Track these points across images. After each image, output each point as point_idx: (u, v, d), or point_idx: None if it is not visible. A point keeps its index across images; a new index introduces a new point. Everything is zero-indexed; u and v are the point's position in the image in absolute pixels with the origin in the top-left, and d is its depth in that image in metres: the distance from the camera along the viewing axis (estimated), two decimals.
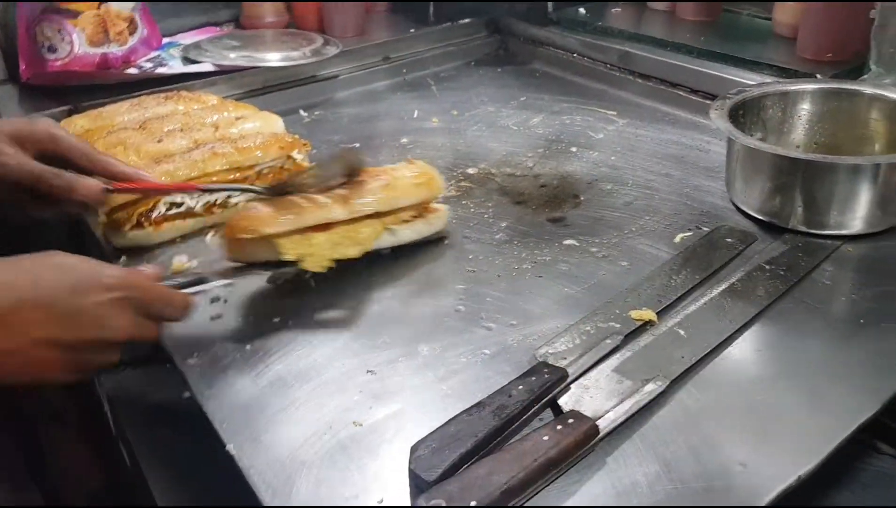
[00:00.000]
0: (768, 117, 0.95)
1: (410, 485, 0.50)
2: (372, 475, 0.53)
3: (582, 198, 0.92)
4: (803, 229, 0.81)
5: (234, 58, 1.24)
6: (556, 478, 0.51)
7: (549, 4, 1.49)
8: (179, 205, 0.82)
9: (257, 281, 0.75)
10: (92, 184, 0.72)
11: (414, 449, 0.51)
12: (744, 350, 0.65)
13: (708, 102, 0.91)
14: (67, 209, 0.74)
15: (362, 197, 0.75)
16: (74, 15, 1.18)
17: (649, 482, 0.51)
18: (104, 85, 1.17)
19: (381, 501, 0.51)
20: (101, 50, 1.21)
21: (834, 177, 0.78)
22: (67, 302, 0.54)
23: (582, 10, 1.49)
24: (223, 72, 1.22)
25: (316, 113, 1.24)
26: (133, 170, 0.76)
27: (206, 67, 1.22)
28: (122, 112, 0.98)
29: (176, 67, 1.23)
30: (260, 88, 1.26)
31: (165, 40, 1.36)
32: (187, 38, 1.37)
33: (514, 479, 0.48)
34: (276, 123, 0.96)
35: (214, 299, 0.68)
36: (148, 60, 1.27)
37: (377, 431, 0.57)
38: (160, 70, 1.22)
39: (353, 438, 0.56)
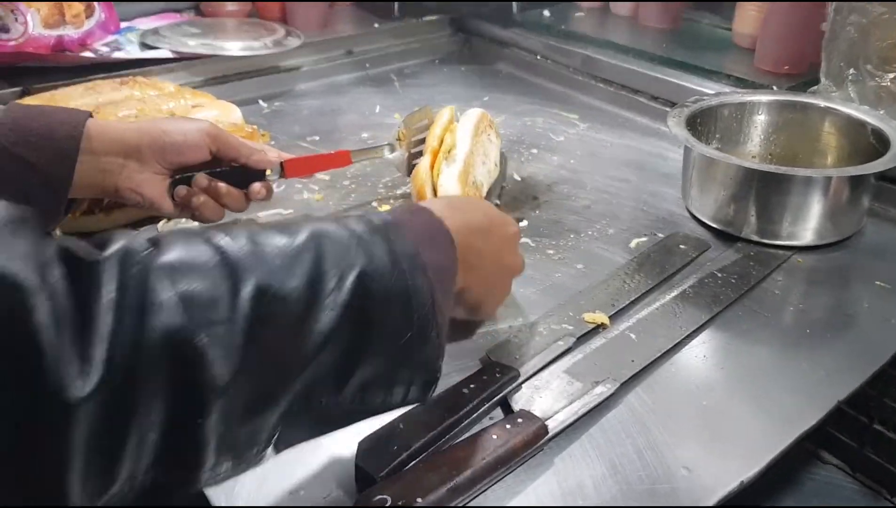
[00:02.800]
0: (725, 127, 0.96)
1: (357, 481, 0.50)
2: (318, 470, 0.52)
3: (541, 200, 0.92)
4: (756, 238, 0.82)
5: (193, 45, 1.21)
6: (504, 477, 0.51)
7: (514, 6, 1.49)
8: None
9: None
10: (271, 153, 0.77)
11: (362, 445, 0.50)
12: (693, 356, 0.66)
13: (667, 109, 0.92)
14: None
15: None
16: None
17: (595, 483, 0.52)
18: (58, 68, 1.14)
19: (328, 496, 0.50)
20: (56, 32, 1.18)
21: (787, 188, 0.79)
22: (501, 223, 0.62)
23: (546, 13, 1.50)
24: (181, 59, 1.20)
25: (276, 104, 1.22)
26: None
27: (164, 53, 1.20)
28: (76, 96, 0.95)
29: (133, 52, 1.20)
30: (219, 76, 1.24)
31: (123, 25, 1.32)
32: (145, 24, 1.34)
33: (461, 477, 0.48)
34: (233, 113, 0.94)
35: None
36: (104, 45, 1.24)
37: None
38: (117, 55, 1.19)
39: None
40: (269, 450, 0.42)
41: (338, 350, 0.41)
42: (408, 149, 0.86)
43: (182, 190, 0.72)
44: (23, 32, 1.15)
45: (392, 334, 0.44)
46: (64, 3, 1.18)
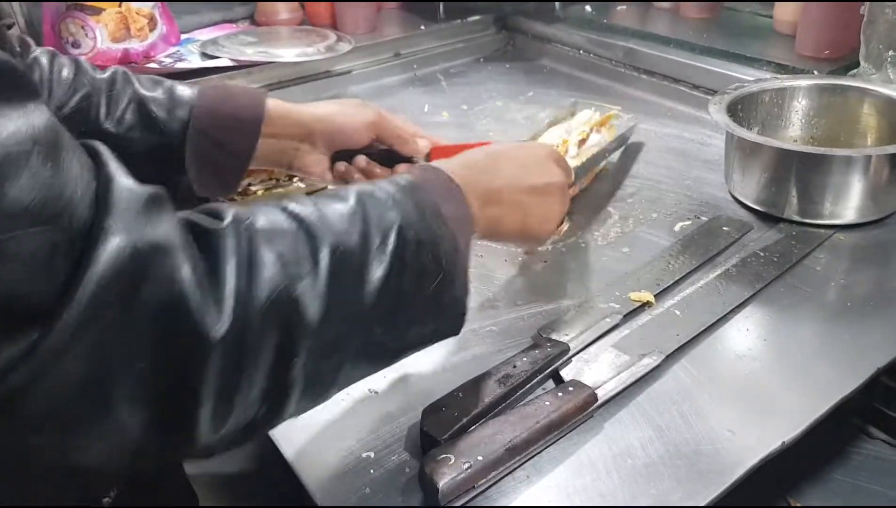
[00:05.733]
0: (766, 112, 0.98)
1: (422, 444, 0.54)
2: (387, 436, 0.57)
3: (588, 190, 0.96)
4: (798, 218, 0.84)
5: (250, 53, 1.28)
6: (557, 440, 0.56)
7: (556, 3, 1.52)
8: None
9: None
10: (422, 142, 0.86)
11: (426, 413, 0.55)
12: (736, 330, 0.69)
13: (709, 97, 0.94)
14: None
15: None
16: (97, 12, 1.23)
17: (643, 445, 0.56)
18: None
19: (397, 458, 0.55)
20: (122, 46, 1.25)
21: (827, 168, 0.81)
22: (518, 153, 0.66)
23: (588, 8, 1.53)
24: (240, 67, 1.27)
25: None
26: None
27: (223, 61, 1.26)
28: None
29: (195, 62, 1.27)
30: (276, 82, 1.30)
31: (184, 37, 1.40)
32: (205, 35, 1.41)
33: (517, 438, 0.52)
34: None
35: None
36: (167, 56, 1.31)
37: (390, 397, 0.61)
38: (179, 65, 1.26)
39: (369, 403, 0.60)
40: (337, 389, 0.48)
41: (388, 294, 0.47)
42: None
43: (341, 166, 0.83)
44: (92, 47, 1.23)
45: (427, 276, 0.49)
46: (129, 19, 1.26)
